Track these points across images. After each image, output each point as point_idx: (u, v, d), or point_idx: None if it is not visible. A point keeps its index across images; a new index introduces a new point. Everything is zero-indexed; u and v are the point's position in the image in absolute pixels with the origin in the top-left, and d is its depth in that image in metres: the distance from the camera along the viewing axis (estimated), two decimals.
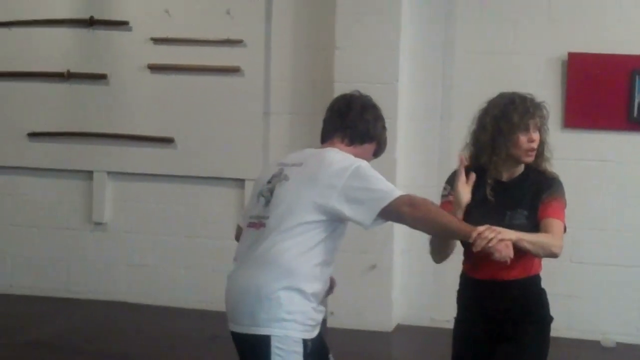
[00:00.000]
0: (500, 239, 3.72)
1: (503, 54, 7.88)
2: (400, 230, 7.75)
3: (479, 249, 3.72)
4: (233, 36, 8.30)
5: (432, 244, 4.21)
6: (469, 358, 4.28)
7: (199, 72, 8.42)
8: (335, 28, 7.84)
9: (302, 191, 3.83)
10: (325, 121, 4.18)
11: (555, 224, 4.03)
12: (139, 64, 8.56)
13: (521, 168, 4.18)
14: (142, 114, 8.61)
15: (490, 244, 3.70)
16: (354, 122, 4.08)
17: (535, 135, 4.11)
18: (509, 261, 3.78)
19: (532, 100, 4.15)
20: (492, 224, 3.87)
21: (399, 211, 3.75)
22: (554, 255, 3.97)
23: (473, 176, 4.08)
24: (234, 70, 8.34)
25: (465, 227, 3.82)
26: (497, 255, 3.74)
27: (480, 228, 3.74)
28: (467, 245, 3.96)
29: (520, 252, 3.93)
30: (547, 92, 7.73)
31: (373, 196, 3.77)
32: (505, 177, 4.17)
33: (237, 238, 4.18)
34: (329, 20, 7.92)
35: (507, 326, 4.14)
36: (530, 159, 4.14)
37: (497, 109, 4.15)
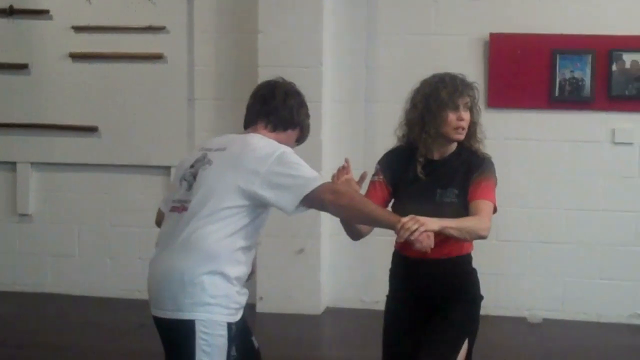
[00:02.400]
0: (424, 230, 3.73)
1: (425, 35, 7.92)
2: (327, 214, 7.75)
3: (402, 240, 3.75)
4: (155, 23, 8.24)
5: (342, 223, 4.25)
6: (398, 333, 4.32)
7: (122, 59, 8.34)
8: (258, 12, 7.81)
9: (225, 175, 3.82)
10: (248, 107, 4.17)
11: (484, 205, 4.04)
12: (60, 53, 8.45)
13: (453, 147, 4.21)
14: (64, 103, 8.50)
15: (412, 237, 3.71)
16: (277, 108, 4.07)
17: (465, 114, 4.15)
18: (429, 250, 3.79)
19: (462, 79, 4.20)
20: (423, 202, 3.95)
21: (322, 199, 3.76)
22: (481, 237, 4.00)
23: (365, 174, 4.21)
24: (156, 57, 8.27)
25: (389, 216, 3.84)
26: (417, 246, 3.77)
27: (404, 219, 3.73)
28: None
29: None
30: (470, 73, 7.63)
31: (296, 183, 3.77)
32: (436, 155, 4.20)
33: (158, 223, 4.16)
34: (252, 4, 7.90)
35: (437, 303, 4.18)
36: (459, 137, 4.17)
37: (428, 87, 4.19)
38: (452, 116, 4.12)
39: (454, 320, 4.14)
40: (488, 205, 4.07)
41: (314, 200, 3.77)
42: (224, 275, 3.78)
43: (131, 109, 8.37)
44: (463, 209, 4.06)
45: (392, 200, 4.30)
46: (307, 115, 4.19)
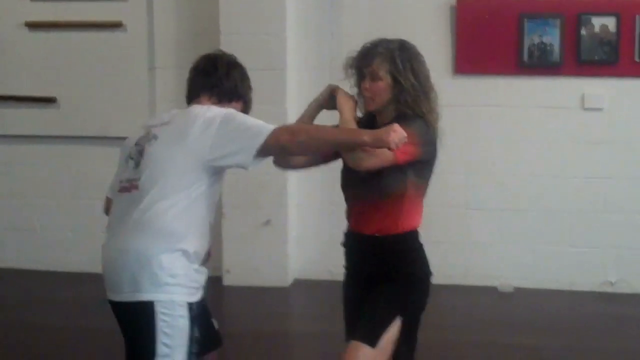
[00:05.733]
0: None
1: (391, 0, 7.79)
2: (294, 184, 7.67)
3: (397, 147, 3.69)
4: None
5: (277, 158, 4.17)
6: (347, 307, 4.32)
7: (80, 28, 8.16)
8: None
9: (173, 148, 3.71)
10: (189, 81, 4.08)
11: None
12: (16, 22, 8.27)
13: (392, 113, 4.05)
14: (22, 73, 8.34)
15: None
16: (220, 80, 3.99)
17: (367, 84, 4.02)
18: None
19: (369, 48, 4.05)
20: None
21: (279, 142, 3.66)
22: (356, 162, 3.84)
23: None
24: (116, 26, 8.10)
25: (355, 134, 3.80)
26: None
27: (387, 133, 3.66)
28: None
29: (378, 210, 3.98)
30: (437, 39, 7.73)
31: (247, 135, 3.66)
32: (379, 122, 4.07)
33: (107, 211, 4.07)
34: None
35: (374, 280, 4.10)
36: (369, 107, 4.08)
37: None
38: (363, 86, 4.06)
39: (385, 298, 4.04)
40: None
41: (272, 147, 3.67)
42: (182, 252, 3.68)
43: (90, 79, 8.21)
44: (397, 173, 3.93)
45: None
46: (250, 88, 4.11)
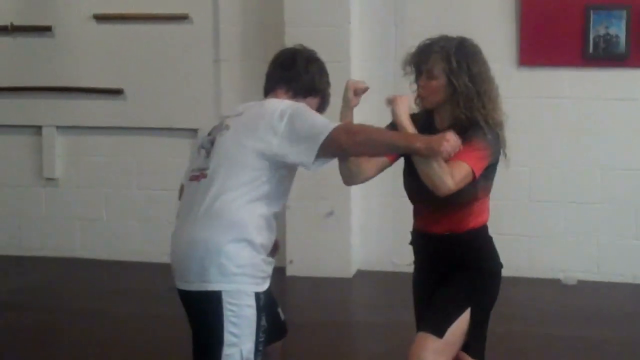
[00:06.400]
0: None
1: None
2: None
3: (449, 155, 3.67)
4: None
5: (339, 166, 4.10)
6: (417, 301, 4.28)
7: (146, 20, 8.24)
8: None
9: (243, 139, 3.72)
10: (268, 75, 4.08)
11: (456, 164, 3.78)
12: (84, 15, 8.36)
13: (449, 116, 4.00)
14: (89, 65, 8.44)
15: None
16: (298, 74, 3.99)
17: (423, 81, 3.98)
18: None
19: (427, 45, 4.00)
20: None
21: (338, 141, 3.64)
22: (436, 188, 3.74)
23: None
24: (182, 18, 8.16)
25: (410, 139, 3.72)
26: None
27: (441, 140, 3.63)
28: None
29: (446, 210, 3.95)
30: (501, 30, 7.69)
31: (311, 132, 3.66)
32: (438, 124, 4.04)
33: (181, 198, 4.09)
34: None
35: (444, 274, 4.09)
36: (424, 105, 4.03)
37: None
38: (419, 83, 4.02)
39: (454, 290, 4.03)
40: (461, 165, 3.80)
41: (331, 146, 3.66)
42: (249, 243, 3.70)
43: (157, 70, 8.28)
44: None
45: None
46: (328, 84, 4.11)
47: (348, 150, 3.74)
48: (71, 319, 6.85)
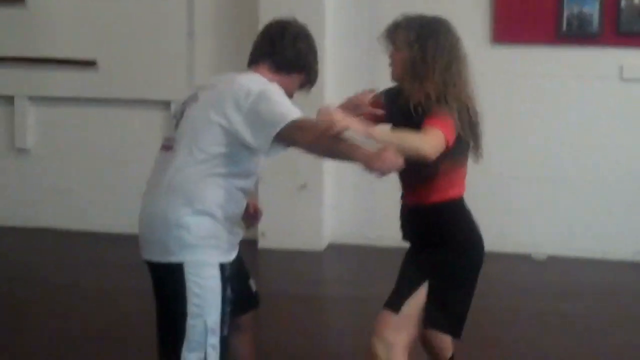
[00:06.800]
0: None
1: None
2: None
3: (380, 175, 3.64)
4: None
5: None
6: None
7: None
8: None
9: (209, 113, 3.67)
10: (255, 44, 4.00)
11: (429, 131, 3.80)
12: None
13: (408, 95, 4.02)
14: (62, 36, 8.41)
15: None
16: (284, 48, 3.90)
17: (390, 53, 4.05)
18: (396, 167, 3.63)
19: (399, 20, 4.05)
20: None
21: (292, 136, 3.59)
22: (421, 156, 3.74)
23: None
24: None
25: (352, 150, 3.57)
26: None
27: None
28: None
29: (414, 182, 4.01)
30: (476, 7, 7.71)
31: (270, 119, 3.59)
32: (401, 100, 4.07)
33: None
34: None
35: (418, 247, 4.16)
36: (392, 77, 4.08)
37: None
38: (388, 54, 4.10)
39: (414, 266, 4.09)
40: (434, 132, 3.82)
41: (286, 138, 3.60)
42: (210, 216, 3.67)
43: (130, 42, 8.26)
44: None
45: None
46: (316, 62, 4.01)
47: (299, 147, 3.65)
48: (40, 289, 6.84)
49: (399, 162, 3.55)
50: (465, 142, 4.01)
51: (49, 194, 8.62)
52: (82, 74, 8.36)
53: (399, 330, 3.94)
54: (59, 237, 8.38)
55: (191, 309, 3.67)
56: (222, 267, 3.73)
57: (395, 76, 4.08)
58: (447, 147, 3.83)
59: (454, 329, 4.14)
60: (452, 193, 4.10)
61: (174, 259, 3.67)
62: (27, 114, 8.55)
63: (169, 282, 3.71)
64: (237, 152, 3.68)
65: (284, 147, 3.67)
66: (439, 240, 4.08)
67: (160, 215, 3.70)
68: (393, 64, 4.05)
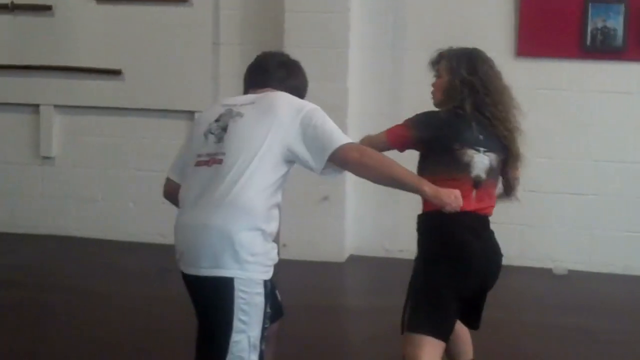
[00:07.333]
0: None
1: None
2: None
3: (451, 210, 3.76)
4: None
5: None
6: None
7: (147, 2, 8.28)
8: None
9: (261, 127, 3.69)
10: (258, 69, 4.05)
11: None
12: None
13: None
14: (88, 45, 8.46)
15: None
16: (297, 75, 4.04)
17: (433, 80, 4.30)
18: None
19: (443, 50, 4.31)
20: None
21: (348, 156, 3.65)
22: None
23: None
24: (182, 0, 8.20)
25: (416, 180, 3.76)
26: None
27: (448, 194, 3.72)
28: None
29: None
30: (501, 21, 7.71)
31: (327, 137, 3.66)
32: None
33: (167, 194, 4.05)
34: None
35: None
36: (433, 103, 4.31)
37: None
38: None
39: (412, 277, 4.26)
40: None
41: (340, 158, 3.66)
42: (261, 231, 3.66)
43: (156, 52, 8.31)
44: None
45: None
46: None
47: (353, 168, 3.72)
48: (64, 297, 6.85)
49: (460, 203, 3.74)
50: (448, 155, 4.10)
51: (73, 203, 8.67)
52: (107, 83, 8.41)
53: (409, 345, 4.04)
54: (83, 245, 8.41)
55: (237, 324, 3.65)
56: (266, 284, 3.72)
57: (435, 101, 4.29)
58: (389, 146, 4.15)
59: (424, 323, 4.12)
60: (427, 206, 4.12)
61: (225, 273, 3.64)
62: (53, 123, 8.60)
63: (217, 296, 3.67)
64: (286, 166, 3.72)
65: (335, 169, 3.75)
66: (418, 250, 4.24)
67: (214, 228, 3.65)
68: (434, 89, 4.29)
